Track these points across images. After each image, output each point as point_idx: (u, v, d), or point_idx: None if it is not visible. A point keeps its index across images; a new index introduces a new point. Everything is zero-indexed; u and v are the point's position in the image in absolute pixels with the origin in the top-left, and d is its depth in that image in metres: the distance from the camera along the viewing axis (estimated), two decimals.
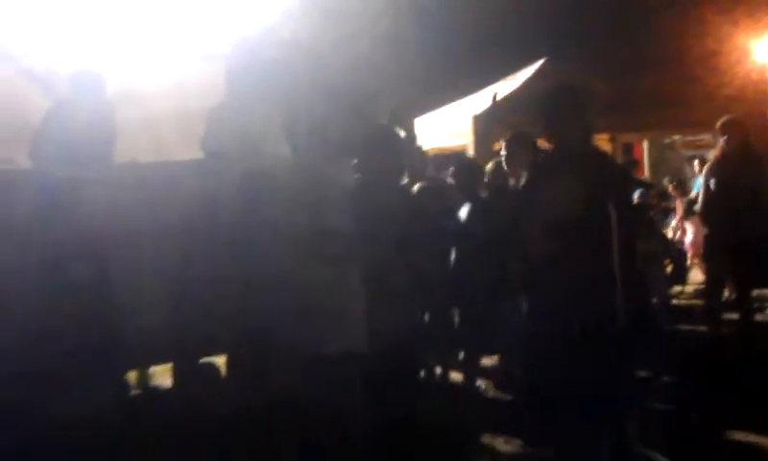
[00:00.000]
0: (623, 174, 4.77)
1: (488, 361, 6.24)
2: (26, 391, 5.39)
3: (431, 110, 10.88)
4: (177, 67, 6.63)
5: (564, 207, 3.88)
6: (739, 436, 4.95)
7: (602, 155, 4.52)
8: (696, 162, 10.48)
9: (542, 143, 5.20)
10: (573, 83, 4.96)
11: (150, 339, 5.36)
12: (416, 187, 5.73)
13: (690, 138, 12.94)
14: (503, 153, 5.87)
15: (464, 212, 5.83)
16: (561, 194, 3.92)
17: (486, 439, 5.10)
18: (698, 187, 7.85)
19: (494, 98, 8.46)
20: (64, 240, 5.17)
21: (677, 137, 13.22)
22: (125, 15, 6.98)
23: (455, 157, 7.46)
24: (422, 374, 5.77)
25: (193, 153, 5.75)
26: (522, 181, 4.41)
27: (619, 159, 9.91)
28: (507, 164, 5.80)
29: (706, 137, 9.86)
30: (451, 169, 6.32)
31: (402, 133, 5.90)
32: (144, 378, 6.26)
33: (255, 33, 6.10)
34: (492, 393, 5.91)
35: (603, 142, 9.42)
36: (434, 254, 5.26)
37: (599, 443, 3.96)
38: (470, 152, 8.81)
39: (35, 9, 7.01)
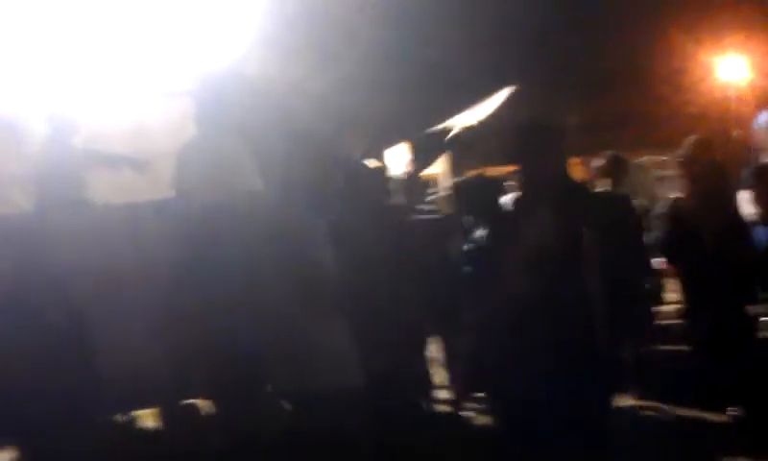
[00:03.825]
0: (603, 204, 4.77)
1: None
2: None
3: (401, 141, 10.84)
4: (138, 106, 6.55)
5: (543, 242, 3.86)
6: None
7: (578, 186, 4.51)
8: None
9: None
10: (545, 119, 4.94)
11: (131, 383, 5.31)
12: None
13: (661, 158, 13.01)
14: None
15: None
16: (539, 228, 3.90)
17: None
18: None
19: (459, 129, 8.54)
20: (36, 284, 5.08)
21: (645, 158, 13.29)
22: (85, 55, 6.87)
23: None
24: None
25: (159, 193, 5.66)
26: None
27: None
28: None
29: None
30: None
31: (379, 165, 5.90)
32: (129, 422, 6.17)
33: (221, 69, 6.01)
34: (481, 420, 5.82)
35: (574, 167, 9.40)
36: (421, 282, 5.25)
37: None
38: (444, 181, 8.87)
39: None
